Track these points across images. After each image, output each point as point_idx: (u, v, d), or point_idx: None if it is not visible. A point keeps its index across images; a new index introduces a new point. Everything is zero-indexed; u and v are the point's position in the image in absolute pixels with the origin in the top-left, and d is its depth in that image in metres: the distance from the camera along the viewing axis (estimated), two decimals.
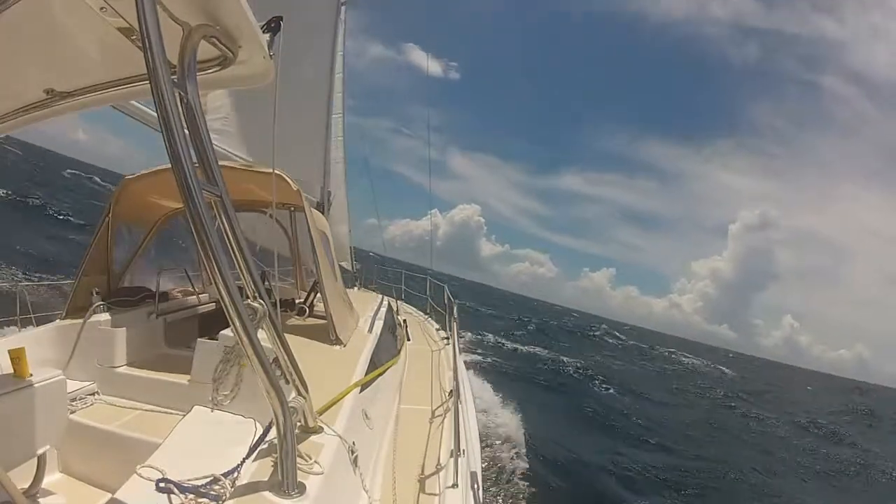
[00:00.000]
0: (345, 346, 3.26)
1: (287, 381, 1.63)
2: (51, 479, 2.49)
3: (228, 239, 1.34)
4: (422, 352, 5.51)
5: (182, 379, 2.99)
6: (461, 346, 5.66)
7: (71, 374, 3.03)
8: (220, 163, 1.35)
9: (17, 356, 2.08)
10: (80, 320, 3.27)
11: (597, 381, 19.09)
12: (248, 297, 1.37)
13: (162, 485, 1.68)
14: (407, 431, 3.04)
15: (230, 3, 1.19)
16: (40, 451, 2.14)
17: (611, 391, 18.13)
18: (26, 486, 2.15)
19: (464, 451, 2.37)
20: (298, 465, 1.50)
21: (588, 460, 9.78)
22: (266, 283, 4.06)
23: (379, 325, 4.18)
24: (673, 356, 44.74)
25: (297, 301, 4.24)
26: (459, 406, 2.52)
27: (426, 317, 8.22)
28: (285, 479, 1.41)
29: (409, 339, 5.75)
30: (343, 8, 8.19)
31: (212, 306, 4.64)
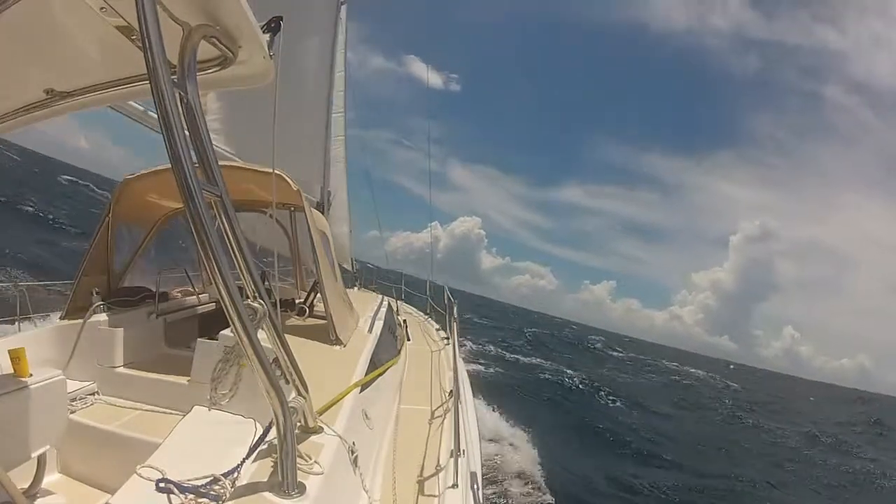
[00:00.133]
0: (345, 346, 3.26)
1: (287, 381, 1.63)
2: (50, 479, 2.49)
3: (228, 239, 1.34)
4: (422, 352, 5.51)
5: (182, 379, 2.99)
6: (462, 355, 5.66)
7: (71, 374, 3.03)
8: (220, 163, 1.34)
9: (17, 356, 2.08)
10: (80, 320, 3.27)
11: (602, 393, 18.89)
12: (248, 297, 1.37)
13: (162, 485, 1.68)
14: (407, 431, 3.04)
15: (230, 3, 1.19)
16: (40, 451, 2.14)
17: (617, 404, 17.93)
18: (26, 486, 2.15)
19: (464, 451, 2.37)
20: (298, 465, 1.50)
21: (600, 480, 9.65)
22: (266, 283, 4.06)
23: (379, 325, 4.18)
24: (675, 368, 44.31)
25: (297, 301, 4.24)
26: (459, 406, 2.52)
27: (426, 317, 8.22)
28: (285, 480, 1.41)
29: (409, 340, 5.75)
30: (343, 7, 8.19)
31: (212, 306, 4.64)
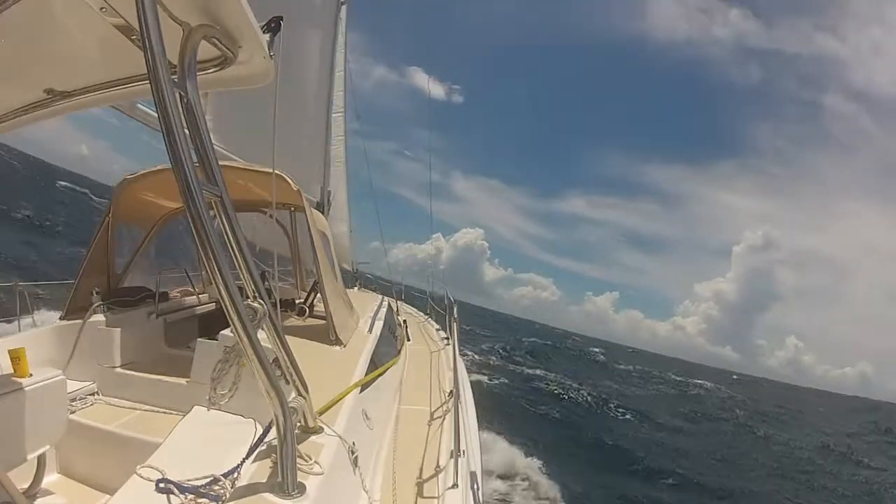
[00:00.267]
0: (345, 346, 3.26)
1: (287, 382, 1.62)
2: (50, 479, 2.49)
3: (228, 239, 1.33)
4: (422, 352, 5.50)
5: (182, 379, 2.99)
6: (465, 364, 5.64)
7: (71, 374, 3.02)
8: (221, 163, 1.34)
9: (17, 356, 2.08)
10: (80, 320, 3.27)
11: (611, 406, 18.81)
12: (248, 298, 1.37)
13: (162, 485, 1.68)
14: (407, 432, 3.04)
15: (230, 3, 1.19)
16: (40, 452, 2.14)
17: (627, 416, 17.82)
18: (26, 486, 2.15)
19: (463, 451, 2.37)
20: (298, 465, 1.49)
21: (613, 500, 9.54)
22: (266, 283, 4.06)
23: (379, 325, 4.18)
24: (679, 379, 43.94)
25: (297, 301, 4.23)
26: (459, 406, 2.52)
27: (426, 317, 8.22)
28: (285, 480, 1.41)
29: (409, 340, 5.75)
30: (343, 7, 8.19)
31: (212, 306, 4.64)
